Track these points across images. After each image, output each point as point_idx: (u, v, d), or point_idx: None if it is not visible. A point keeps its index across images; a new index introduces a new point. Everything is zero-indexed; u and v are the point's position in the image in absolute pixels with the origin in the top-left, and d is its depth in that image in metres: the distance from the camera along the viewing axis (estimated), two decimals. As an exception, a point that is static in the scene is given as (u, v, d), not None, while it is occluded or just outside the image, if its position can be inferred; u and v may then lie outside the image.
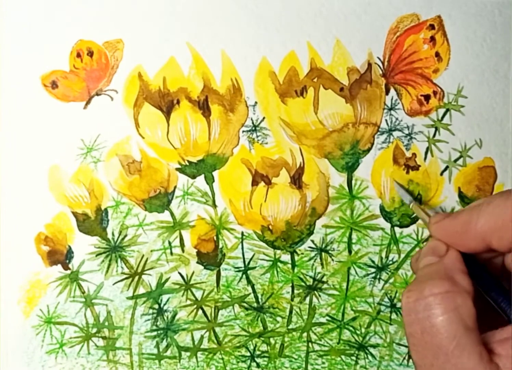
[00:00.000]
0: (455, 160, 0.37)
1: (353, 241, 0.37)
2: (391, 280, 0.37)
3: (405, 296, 0.27)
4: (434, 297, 0.26)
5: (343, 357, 0.37)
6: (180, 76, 0.36)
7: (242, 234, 0.37)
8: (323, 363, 0.37)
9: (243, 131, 0.36)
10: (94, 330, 0.37)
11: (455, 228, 0.29)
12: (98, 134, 0.36)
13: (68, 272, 0.37)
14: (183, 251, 0.37)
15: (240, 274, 0.37)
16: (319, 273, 0.37)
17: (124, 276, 0.37)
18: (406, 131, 0.37)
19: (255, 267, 0.37)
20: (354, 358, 0.37)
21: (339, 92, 0.36)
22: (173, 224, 0.37)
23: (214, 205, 0.37)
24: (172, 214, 0.37)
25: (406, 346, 0.37)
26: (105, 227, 0.36)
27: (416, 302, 0.26)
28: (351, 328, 0.37)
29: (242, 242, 0.37)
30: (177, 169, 0.36)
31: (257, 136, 0.36)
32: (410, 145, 0.37)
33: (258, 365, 0.37)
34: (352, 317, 0.37)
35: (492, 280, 0.28)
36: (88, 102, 0.36)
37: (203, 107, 0.36)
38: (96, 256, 0.36)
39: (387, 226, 0.37)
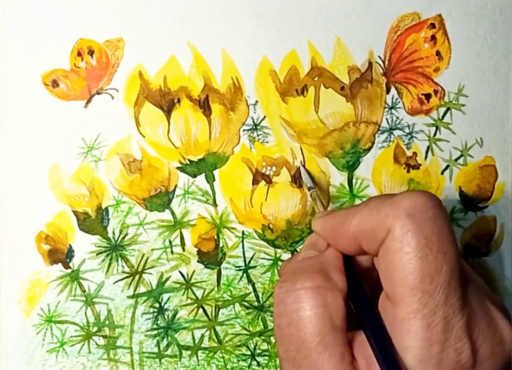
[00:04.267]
0: (456, 159, 0.37)
1: (354, 240, 0.37)
2: (391, 279, 0.37)
3: (278, 286, 0.27)
4: (305, 291, 0.25)
5: (343, 356, 0.37)
6: (180, 75, 0.36)
7: (243, 233, 0.37)
8: (324, 362, 0.37)
9: (243, 130, 0.36)
10: (95, 329, 0.37)
11: (331, 225, 0.28)
12: (99, 133, 0.36)
13: (69, 271, 0.37)
14: (183, 250, 0.37)
15: (240, 273, 0.37)
16: (319, 272, 0.37)
17: (125, 275, 0.37)
18: (407, 130, 0.37)
19: (255, 266, 0.37)
20: (354, 357, 0.37)
21: (339, 91, 0.36)
22: (173, 222, 0.37)
23: (215, 204, 0.37)
24: (172, 213, 0.37)
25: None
26: (106, 226, 0.36)
27: (287, 294, 0.26)
28: (351, 327, 0.37)
29: (242, 241, 0.37)
30: (177, 168, 0.36)
31: (258, 135, 0.36)
32: (411, 144, 0.37)
33: (258, 364, 0.37)
34: (352, 316, 0.37)
35: (358, 285, 0.27)
36: (88, 101, 0.36)
37: (204, 106, 0.36)
38: (97, 254, 0.37)
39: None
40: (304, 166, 0.36)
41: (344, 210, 0.28)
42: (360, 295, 0.27)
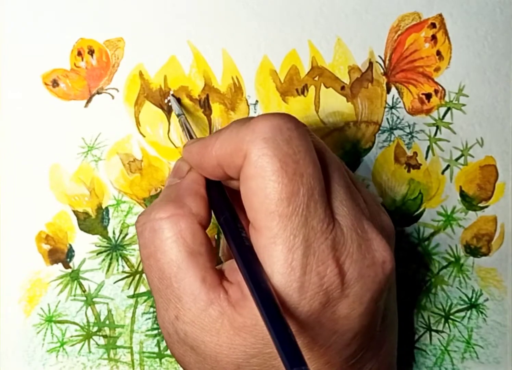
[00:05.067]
0: (456, 159, 0.37)
1: (354, 239, 0.37)
2: (392, 279, 0.37)
3: (136, 221, 0.27)
4: (159, 221, 0.25)
5: (344, 356, 0.37)
6: (181, 75, 0.36)
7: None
8: (324, 362, 0.37)
9: (244, 130, 0.36)
10: (95, 328, 0.37)
11: (196, 149, 0.27)
12: (99, 133, 0.36)
13: (69, 270, 0.37)
14: (184, 249, 0.37)
15: (241, 272, 0.37)
16: (320, 271, 0.37)
17: (125, 275, 0.37)
18: (407, 130, 0.37)
19: (256, 266, 0.37)
20: (355, 357, 0.37)
21: (340, 91, 0.36)
22: (174, 222, 0.37)
23: (215, 204, 0.37)
24: (173, 213, 0.36)
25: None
26: (106, 226, 0.36)
27: (143, 226, 0.26)
28: (352, 327, 0.37)
29: (243, 241, 0.37)
30: (178, 168, 0.36)
31: (258, 135, 0.36)
32: (411, 144, 0.37)
33: (259, 364, 0.37)
34: (353, 315, 0.37)
35: (227, 211, 0.26)
36: (89, 101, 0.36)
37: (204, 105, 0.36)
38: (97, 254, 0.37)
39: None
40: (173, 95, 0.35)
41: (211, 134, 0.27)
42: (228, 219, 0.26)
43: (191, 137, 0.32)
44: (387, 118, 0.37)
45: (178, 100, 0.36)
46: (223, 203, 0.27)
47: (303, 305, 0.23)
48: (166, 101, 0.35)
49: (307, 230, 0.23)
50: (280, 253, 0.23)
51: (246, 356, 0.24)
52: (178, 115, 0.34)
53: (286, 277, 0.23)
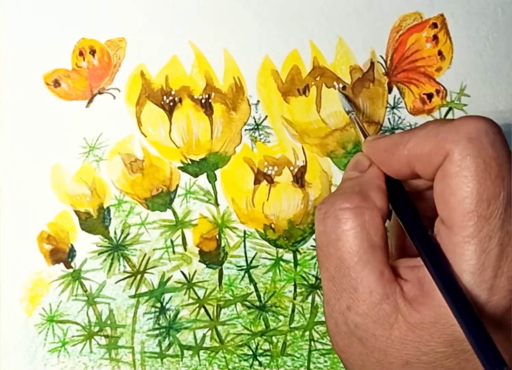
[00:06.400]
0: (458, 159, 0.37)
1: (356, 239, 0.37)
2: (393, 279, 0.37)
3: (317, 208, 0.27)
4: (342, 211, 0.26)
5: (345, 356, 0.37)
6: (182, 75, 0.36)
7: (245, 232, 0.37)
8: (325, 361, 0.37)
9: (245, 129, 0.36)
10: (97, 328, 0.37)
11: (384, 146, 0.27)
12: (101, 133, 0.36)
13: (71, 270, 0.37)
14: (185, 249, 0.37)
15: (242, 272, 0.37)
16: (321, 271, 0.37)
17: (127, 275, 0.37)
18: (409, 130, 0.37)
19: (257, 266, 0.37)
20: (356, 357, 0.37)
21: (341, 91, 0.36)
22: (175, 222, 0.37)
23: (217, 204, 0.37)
24: (174, 213, 0.37)
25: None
26: (108, 226, 0.36)
27: (326, 214, 0.26)
28: (353, 327, 0.37)
29: (244, 241, 0.37)
30: (179, 168, 0.36)
31: (260, 135, 0.36)
32: (413, 144, 0.37)
33: (260, 364, 0.37)
34: (354, 315, 0.37)
35: (410, 209, 0.27)
36: (90, 101, 0.36)
37: (206, 105, 0.36)
38: (99, 254, 0.37)
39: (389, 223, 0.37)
40: (340, 90, 0.36)
41: (399, 133, 0.27)
42: (412, 215, 0.26)
43: (363, 133, 0.32)
44: (389, 118, 0.37)
45: (347, 97, 0.35)
46: (406, 201, 0.27)
47: (488, 308, 0.23)
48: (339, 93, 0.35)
49: (503, 234, 0.23)
50: (473, 252, 0.23)
51: (417, 352, 0.24)
52: (348, 112, 0.34)
53: (476, 277, 0.23)
